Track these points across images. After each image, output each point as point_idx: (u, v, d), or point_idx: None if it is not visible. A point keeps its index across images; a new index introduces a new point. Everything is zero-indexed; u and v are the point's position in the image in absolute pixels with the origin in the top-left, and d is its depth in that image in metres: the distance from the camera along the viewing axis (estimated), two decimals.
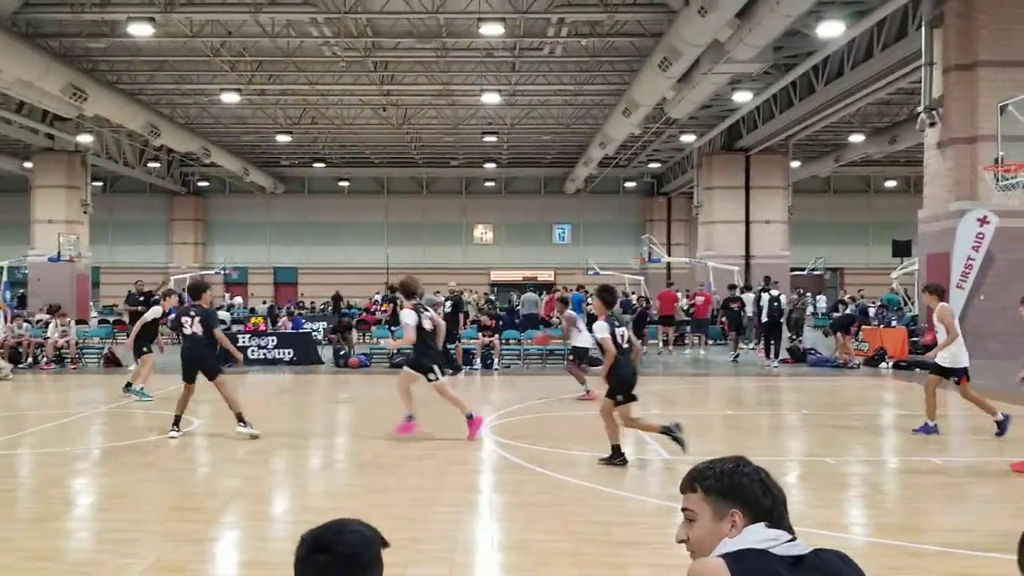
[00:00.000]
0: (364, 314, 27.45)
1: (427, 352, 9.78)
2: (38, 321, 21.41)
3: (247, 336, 20.90)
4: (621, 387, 8.27)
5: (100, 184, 37.85)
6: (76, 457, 9.27)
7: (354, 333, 22.51)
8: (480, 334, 20.00)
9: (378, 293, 29.68)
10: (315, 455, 9.60)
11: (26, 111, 25.45)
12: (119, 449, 9.58)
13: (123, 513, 6.70)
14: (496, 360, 19.59)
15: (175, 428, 9.97)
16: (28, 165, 30.93)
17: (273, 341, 20.67)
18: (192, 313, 10.08)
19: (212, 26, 19.88)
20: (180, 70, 23.89)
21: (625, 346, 8.42)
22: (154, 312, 14.34)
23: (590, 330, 10.55)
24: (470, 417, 9.70)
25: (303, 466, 9.07)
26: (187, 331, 10.04)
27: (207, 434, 10.94)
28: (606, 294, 8.78)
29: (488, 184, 43.90)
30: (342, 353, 19.82)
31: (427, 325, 9.77)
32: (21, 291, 31.20)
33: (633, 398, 8.36)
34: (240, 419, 9.94)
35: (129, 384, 14.10)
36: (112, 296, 36.80)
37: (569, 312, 15.61)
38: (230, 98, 25.22)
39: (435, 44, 21.29)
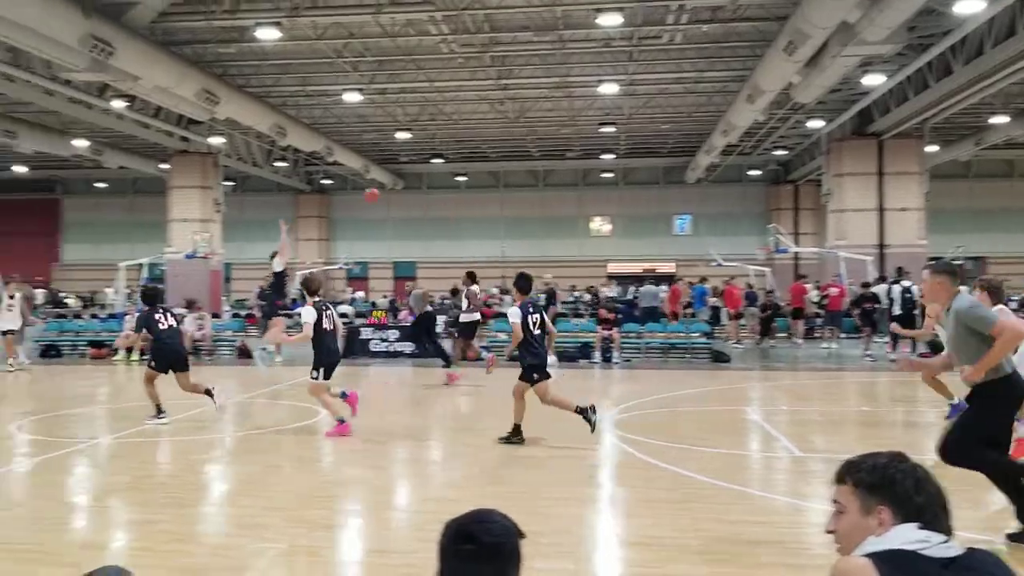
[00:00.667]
0: (482, 307, 27.57)
1: (322, 350, 9.81)
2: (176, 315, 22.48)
3: (370, 329, 21.36)
4: (532, 368, 9.05)
5: (232, 184, 39.41)
6: (211, 445, 9.65)
7: None
8: (599, 327, 19.86)
9: (495, 287, 29.82)
10: (435, 447, 9.70)
11: (162, 115, 26.74)
12: (249, 437, 9.93)
13: (256, 499, 6.91)
14: (615, 353, 19.42)
15: (161, 415, 10.84)
16: (164, 167, 32.56)
17: (395, 334, 21.06)
18: (162, 310, 11.24)
19: (335, 28, 20.36)
20: (304, 72, 24.58)
21: (536, 332, 9.16)
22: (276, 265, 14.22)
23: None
24: (341, 421, 9.76)
25: (423, 457, 9.17)
26: (163, 326, 10.99)
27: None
28: (522, 281, 9.61)
29: (605, 175, 43.49)
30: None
31: (327, 324, 9.88)
32: (160, 286, 32.88)
33: (547, 376, 9.11)
34: (209, 394, 11.03)
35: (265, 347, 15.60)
36: (243, 291, 38.30)
37: (471, 289, 16.38)
38: (352, 98, 25.82)
39: (552, 36, 21.20)
